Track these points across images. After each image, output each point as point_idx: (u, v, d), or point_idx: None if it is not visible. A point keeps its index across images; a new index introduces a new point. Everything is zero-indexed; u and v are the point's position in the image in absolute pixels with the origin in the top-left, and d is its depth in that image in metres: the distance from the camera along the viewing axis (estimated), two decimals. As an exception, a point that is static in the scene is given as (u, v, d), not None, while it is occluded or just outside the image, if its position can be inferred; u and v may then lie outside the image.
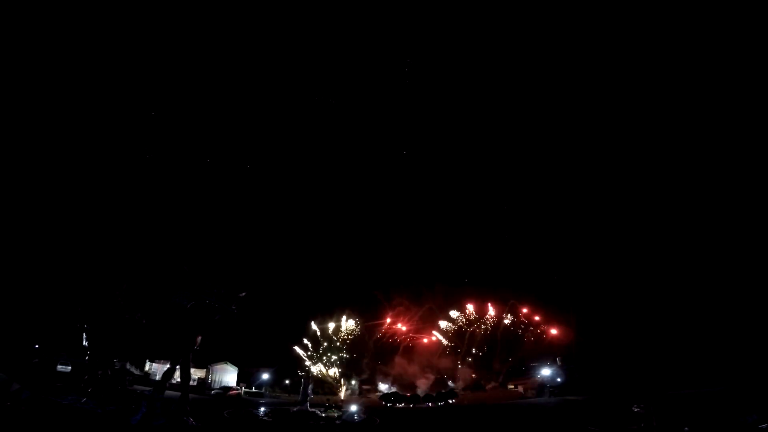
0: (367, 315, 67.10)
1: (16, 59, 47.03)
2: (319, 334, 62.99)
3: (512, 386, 63.94)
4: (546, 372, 60.06)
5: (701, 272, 48.67)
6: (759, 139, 46.77)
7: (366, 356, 64.16)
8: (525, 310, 69.27)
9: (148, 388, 30.48)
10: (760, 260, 44.91)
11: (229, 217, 58.15)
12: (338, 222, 68.89)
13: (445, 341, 66.71)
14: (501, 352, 68.84)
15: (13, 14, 44.74)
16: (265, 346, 62.54)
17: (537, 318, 68.30)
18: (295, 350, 63.51)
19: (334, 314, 63.80)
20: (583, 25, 52.60)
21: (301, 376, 40.47)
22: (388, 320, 66.64)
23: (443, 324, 68.76)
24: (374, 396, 58.10)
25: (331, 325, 63.18)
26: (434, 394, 53.97)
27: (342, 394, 57.42)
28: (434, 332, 67.87)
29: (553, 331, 65.45)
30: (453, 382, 64.63)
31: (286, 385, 60.40)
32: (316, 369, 61.74)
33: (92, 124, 54.63)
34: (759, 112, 46.54)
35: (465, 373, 65.64)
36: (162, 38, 54.40)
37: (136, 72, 56.51)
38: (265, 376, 59.94)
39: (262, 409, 35.49)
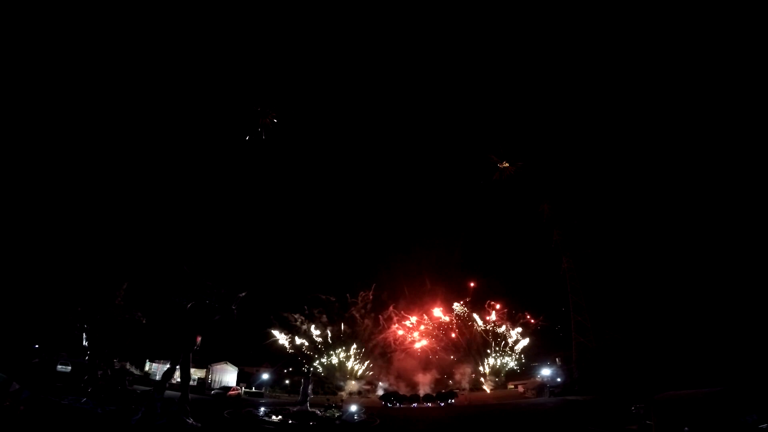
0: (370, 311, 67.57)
1: (16, 59, 47.05)
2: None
3: (512, 386, 63.86)
4: (546, 372, 60.04)
5: (701, 272, 48.70)
6: (758, 139, 46.77)
7: (373, 353, 64.51)
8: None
9: (149, 388, 30.47)
10: (759, 260, 44.91)
11: (228, 217, 58.16)
12: (337, 220, 69.46)
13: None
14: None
15: (13, 14, 44.79)
16: (265, 346, 62.71)
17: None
18: (295, 350, 63.61)
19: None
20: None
21: (302, 375, 40.38)
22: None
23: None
24: (374, 396, 58.02)
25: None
26: (434, 394, 53.85)
27: (342, 394, 57.35)
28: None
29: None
30: (452, 381, 64.64)
31: (286, 385, 60.47)
32: (319, 364, 62.10)
33: (92, 124, 54.71)
34: (759, 112, 46.53)
35: (465, 373, 65.62)
36: (162, 38, 54.47)
37: (136, 72, 56.61)
38: (265, 376, 60.01)
39: (262, 409, 35.43)
